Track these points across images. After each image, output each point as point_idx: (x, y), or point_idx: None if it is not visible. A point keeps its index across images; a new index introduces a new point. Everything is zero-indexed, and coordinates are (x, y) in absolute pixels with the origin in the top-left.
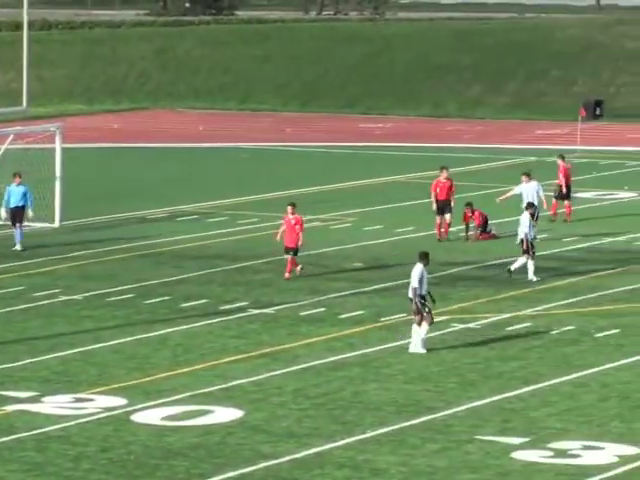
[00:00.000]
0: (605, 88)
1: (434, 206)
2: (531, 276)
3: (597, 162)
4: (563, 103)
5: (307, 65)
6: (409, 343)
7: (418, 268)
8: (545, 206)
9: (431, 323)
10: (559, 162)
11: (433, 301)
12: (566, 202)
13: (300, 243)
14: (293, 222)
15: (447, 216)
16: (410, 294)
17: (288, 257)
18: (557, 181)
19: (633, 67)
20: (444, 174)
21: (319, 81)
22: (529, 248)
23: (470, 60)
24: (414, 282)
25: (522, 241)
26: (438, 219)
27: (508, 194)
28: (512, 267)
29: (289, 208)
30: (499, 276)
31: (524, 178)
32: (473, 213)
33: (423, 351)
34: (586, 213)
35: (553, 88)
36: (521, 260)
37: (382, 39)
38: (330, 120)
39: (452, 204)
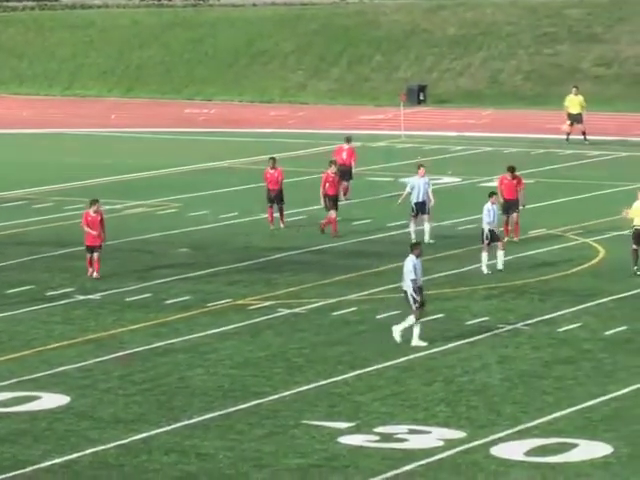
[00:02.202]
0: (428, 74)
1: (322, 202)
2: (500, 266)
3: (421, 147)
4: (387, 88)
5: (131, 51)
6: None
7: (410, 260)
8: (432, 202)
9: (418, 319)
10: (345, 145)
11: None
12: (344, 182)
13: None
14: (99, 218)
15: (332, 212)
16: (406, 287)
17: (93, 255)
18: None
19: (455, 53)
20: (332, 168)
21: (143, 67)
22: (486, 239)
23: (293, 46)
24: (411, 274)
25: (482, 232)
26: (333, 213)
27: (404, 194)
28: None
29: (95, 205)
30: (325, 261)
31: (420, 171)
32: None
33: (424, 344)
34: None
35: (377, 74)
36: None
37: (206, 25)
38: (155, 106)
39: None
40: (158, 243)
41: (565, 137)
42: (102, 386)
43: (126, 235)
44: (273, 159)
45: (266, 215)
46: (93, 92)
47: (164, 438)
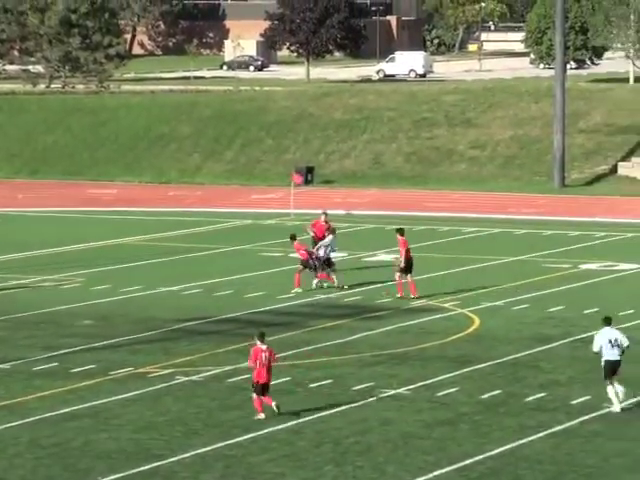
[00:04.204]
0: (315, 155)
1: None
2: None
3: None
4: (277, 169)
5: (37, 135)
6: None
7: None
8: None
9: None
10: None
11: None
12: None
13: None
14: None
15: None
16: None
17: None
18: None
19: (340, 135)
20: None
21: (49, 150)
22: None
23: (190, 130)
24: None
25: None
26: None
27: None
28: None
29: None
30: (221, 331)
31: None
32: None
33: None
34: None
35: (267, 156)
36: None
37: (108, 110)
38: (60, 187)
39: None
40: (64, 315)
41: None
42: (12, 450)
43: (34, 308)
44: (400, 230)
45: None
46: (1, 174)
47: None
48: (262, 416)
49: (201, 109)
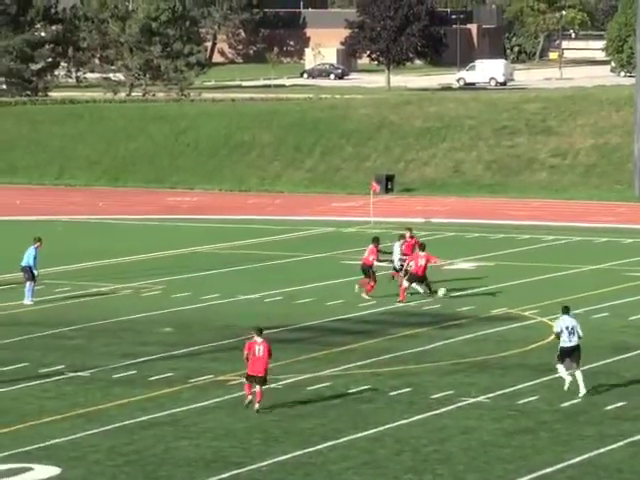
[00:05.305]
0: (395, 164)
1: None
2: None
3: (389, 232)
4: (357, 178)
5: (118, 143)
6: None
7: None
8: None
9: None
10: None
11: None
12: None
13: None
14: None
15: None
16: None
17: None
18: None
19: (420, 144)
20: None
21: (129, 158)
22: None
23: (270, 138)
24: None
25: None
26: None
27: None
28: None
29: None
30: (300, 339)
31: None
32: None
33: None
34: (384, 280)
35: (348, 164)
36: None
37: (188, 118)
38: (140, 194)
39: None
40: (143, 323)
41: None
42: (91, 457)
43: (113, 316)
44: (421, 245)
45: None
46: (81, 181)
47: None
48: (250, 398)
49: (281, 117)
